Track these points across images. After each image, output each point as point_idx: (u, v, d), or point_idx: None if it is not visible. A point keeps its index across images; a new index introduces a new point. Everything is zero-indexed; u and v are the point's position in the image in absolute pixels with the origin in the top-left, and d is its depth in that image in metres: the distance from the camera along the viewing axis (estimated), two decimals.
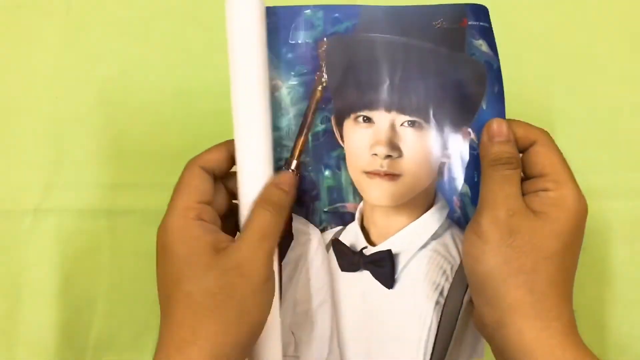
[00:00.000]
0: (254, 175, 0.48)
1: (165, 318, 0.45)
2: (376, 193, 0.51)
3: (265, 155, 0.48)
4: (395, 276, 0.51)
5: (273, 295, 0.47)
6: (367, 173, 0.50)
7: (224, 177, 0.50)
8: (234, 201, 0.50)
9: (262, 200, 0.47)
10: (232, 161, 0.49)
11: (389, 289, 0.51)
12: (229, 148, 0.49)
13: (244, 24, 0.47)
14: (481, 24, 0.48)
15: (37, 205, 0.63)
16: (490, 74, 0.49)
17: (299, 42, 0.50)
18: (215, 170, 0.49)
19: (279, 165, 0.51)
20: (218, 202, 0.49)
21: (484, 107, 0.49)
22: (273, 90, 0.50)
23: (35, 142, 0.64)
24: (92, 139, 0.63)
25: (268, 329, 0.47)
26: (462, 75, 0.49)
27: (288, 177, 0.49)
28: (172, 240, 0.45)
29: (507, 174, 0.46)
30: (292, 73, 0.50)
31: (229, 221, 0.49)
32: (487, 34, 0.48)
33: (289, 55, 0.50)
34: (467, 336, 0.53)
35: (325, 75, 0.50)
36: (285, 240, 0.51)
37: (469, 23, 0.48)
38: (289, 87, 0.51)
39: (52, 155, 0.63)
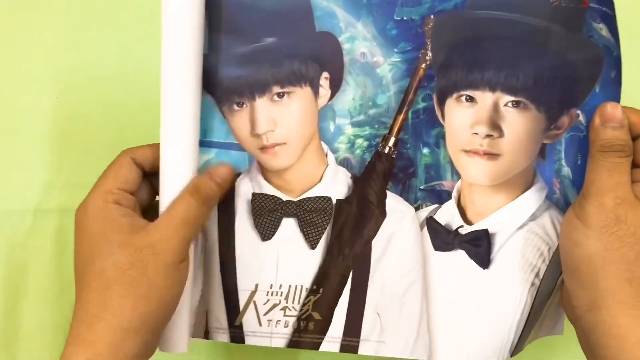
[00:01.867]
0: (176, 168, 0.49)
1: (80, 295, 0.45)
2: (474, 172, 0.50)
3: (189, 151, 0.49)
4: (491, 256, 0.51)
5: (186, 276, 0.48)
6: (467, 152, 0.50)
7: (152, 175, 0.50)
8: (157, 198, 0.50)
9: (191, 188, 0.48)
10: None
11: (484, 269, 0.51)
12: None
13: (177, 25, 0.47)
14: (604, 9, 0.46)
15: (37, 205, 0.62)
16: (608, 59, 0.47)
17: (404, 18, 0.49)
18: (144, 165, 0.49)
19: (377, 142, 0.51)
20: (141, 194, 0.50)
21: (597, 90, 0.48)
22: (374, 66, 0.50)
23: (35, 142, 0.63)
24: (92, 139, 0.63)
25: (177, 312, 0.49)
26: (576, 56, 0.47)
27: (223, 169, 0.49)
28: (89, 220, 0.46)
29: (617, 162, 0.45)
30: (395, 50, 0.49)
31: (149, 215, 0.49)
32: (609, 20, 0.47)
33: (393, 31, 0.49)
34: (550, 314, 0.53)
35: (429, 53, 0.49)
36: (367, 218, 0.52)
37: (591, 5, 0.46)
38: (391, 64, 0.50)
39: (52, 155, 0.62)
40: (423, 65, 0.49)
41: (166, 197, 0.48)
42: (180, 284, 0.48)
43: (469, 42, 0.48)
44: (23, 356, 0.62)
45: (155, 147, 0.49)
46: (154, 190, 0.51)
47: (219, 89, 0.51)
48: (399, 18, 0.49)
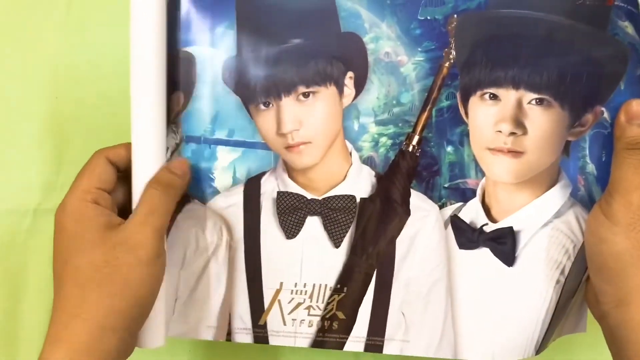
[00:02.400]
0: (147, 165, 0.50)
1: (57, 294, 0.46)
2: (499, 169, 0.50)
3: (158, 150, 0.51)
4: (516, 254, 0.51)
5: (162, 273, 0.48)
6: (491, 149, 0.50)
7: (128, 174, 0.51)
8: None
9: (151, 181, 0.49)
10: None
11: (509, 267, 0.51)
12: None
13: (144, 27, 0.49)
14: (629, 7, 0.47)
15: (37, 205, 0.62)
16: (634, 56, 0.48)
17: (428, 18, 0.50)
18: (119, 164, 0.50)
19: (401, 140, 0.52)
20: (117, 194, 0.51)
21: (622, 87, 0.48)
22: (398, 65, 0.51)
23: (35, 142, 0.63)
24: (92, 139, 0.60)
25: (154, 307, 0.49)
26: (601, 53, 0.48)
27: (179, 162, 0.51)
28: (67, 219, 0.47)
29: None
30: (419, 49, 0.50)
31: (127, 214, 0.49)
32: (635, 19, 0.47)
33: (417, 31, 0.50)
34: (573, 311, 0.53)
35: (453, 52, 0.50)
36: (391, 216, 0.52)
37: (615, 3, 0.47)
38: (415, 63, 0.51)
39: (52, 155, 0.62)
40: (447, 64, 0.50)
41: (138, 194, 0.50)
42: (156, 280, 0.48)
43: (492, 40, 0.49)
44: (23, 356, 0.62)
45: (129, 146, 0.50)
46: (129, 188, 0.51)
47: (246, 89, 0.52)
48: (422, 18, 0.50)
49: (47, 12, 0.63)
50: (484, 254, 0.52)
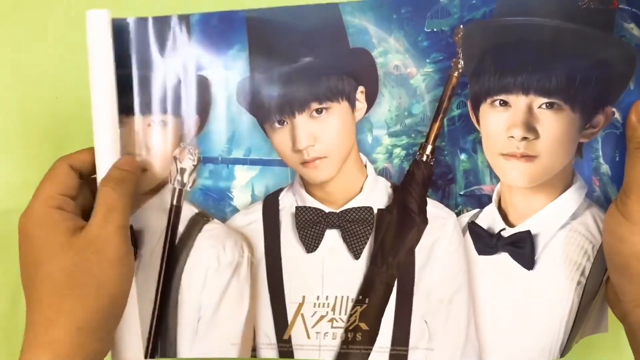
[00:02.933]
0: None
1: (31, 301, 0.47)
2: (513, 174, 0.51)
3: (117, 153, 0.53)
4: (535, 257, 0.51)
5: (132, 270, 0.50)
6: (504, 155, 0.51)
7: (91, 180, 0.52)
8: None
9: (103, 180, 0.50)
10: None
11: (529, 270, 0.51)
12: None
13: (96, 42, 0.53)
14: (633, 10, 0.48)
15: None
16: None
17: (435, 30, 0.51)
18: (82, 170, 0.51)
19: (414, 151, 0.52)
20: (81, 199, 0.51)
21: (632, 87, 0.48)
22: (408, 78, 0.51)
23: (35, 142, 0.64)
24: (92, 139, 0.61)
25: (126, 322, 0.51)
26: (609, 55, 0.48)
27: (126, 159, 0.52)
28: (32, 226, 0.48)
29: None
30: (428, 60, 0.51)
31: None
32: (639, 20, 0.48)
33: (425, 43, 0.51)
34: (594, 312, 0.53)
35: (461, 61, 0.51)
36: (409, 225, 0.52)
37: (620, 6, 0.48)
38: (424, 75, 0.51)
39: (53, 155, 0.60)
40: (456, 74, 0.51)
41: None
42: (127, 277, 0.49)
43: (499, 48, 0.50)
44: None
45: (92, 151, 0.52)
46: (93, 193, 0.52)
47: (261, 108, 0.53)
48: (429, 30, 0.51)
49: (47, 12, 0.64)
50: (503, 259, 0.52)
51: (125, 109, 0.54)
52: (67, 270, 0.47)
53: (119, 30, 0.53)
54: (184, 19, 0.53)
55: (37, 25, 0.64)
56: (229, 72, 0.54)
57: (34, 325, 0.47)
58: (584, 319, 0.51)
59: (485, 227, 0.52)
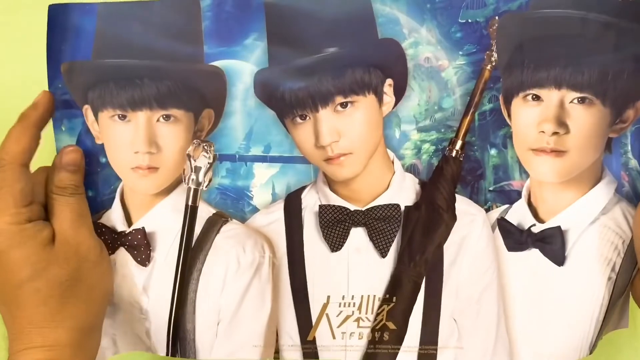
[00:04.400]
0: None
1: (15, 316, 0.46)
2: (543, 169, 0.50)
3: None
4: (566, 253, 0.51)
5: (110, 263, 0.51)
6: (534, 150, 0.50)
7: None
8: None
9: (55, 187, 0.49)
10: (36, 141, 0.50)
11: (559, 266, 0.51)
12: (28, 130, 0.49)
13: None
14: None
15: None
16: None
17: (469, 21, 0.49)
18: (29, 161, 0.50)
19: (443, 146, 0.51)
20: (38, 191, 0.50)
21: None
22: (439, 70, 0.50)
23: None
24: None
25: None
26: None
27: (70, 157, 0.50)
28: (7, 247, 0.46)
29: None
30: (460, 53, 0.50)
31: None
32: None
33: (458, 34, 0.49)
34: (616, 307, 0.53)
35: (495, 54, 0.49)
36: (438, 222, 0.52)
37: None
38: (455, 67, 0.50)
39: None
40: (489, 67, 0.50)
41: None
42: (109, 273, 0.51)
43: (534, 41, 0.48)
44: None
45: (22, 136, 0.49)
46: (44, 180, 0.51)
47: (281, 102, 0.50)
48: (463, 21, 0.49)
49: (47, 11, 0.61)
50: (533, 255, 0.52)
51: (130, 102, 0.50)
52: (56, 283, 0.47)
53: (113, 15, 0.50)
54: (195, 2, 0.50)
55: (37, 25, 0.58)
56: (246, 63, 0.51)
57: (22, 336, 0.46)
58: (612, 314, 0.52)
59: (514, 223, 0.52)
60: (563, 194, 0.51)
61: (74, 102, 0.52)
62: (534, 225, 0.51)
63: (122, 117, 0.51)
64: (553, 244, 0.51)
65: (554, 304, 0.51)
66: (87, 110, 0.52)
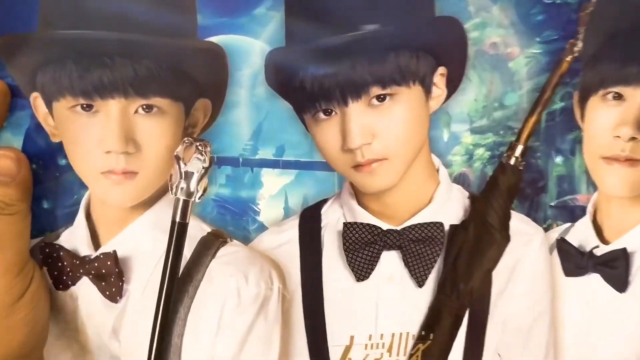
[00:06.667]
0: None
1: None
2: (613, 180, 0.46)
3: None
4: (629, 278, 0.46)
5: (44, 285, 0.45)
6: (606, 158, 0.46)
7: None
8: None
9: None
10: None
11: (620, 293, 0.46)
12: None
13: None
14: None
15: None
16: None
17: (557, 1, 0.43)
18: None
19: (501, 152, 0.45)
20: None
21: None
22: (507, 59, 0.44)
23: None
24: None
25: None
26: None
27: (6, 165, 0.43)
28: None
29: None
30: (538, 39, 0.45)
31: None
32: None
33: (539, 17, 0.44)
34: None
35: (580, 43, 0.44)
36: (488, 244, 0.46)
37: None
38: (528, 56, 0.45)
39: None
40: (568, 58, 0.44)
41: None
42: (45, 306, 0.45)
43: (630, 31, 0.43)
44: None
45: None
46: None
47: (300, 92, 0.42)
48: (549, 1, 0.43)
49: None
50: (592, 280, 0.47)
51: (97, 88, 0.41)
52: None
53: None
54: None
55: None
56: (255, 40, 0.43)
57: None
58: None
59: (576, 244, 0.47)
60: (632, 211, 0.47)
61: (17, 88, 0.43)
62: (597, 247, 0.47)
63: (87, 108, 0.42)
64: (616, 268, 0.46)
65: (612, 334, 0.47)
66: (37, 99, 0.43)
